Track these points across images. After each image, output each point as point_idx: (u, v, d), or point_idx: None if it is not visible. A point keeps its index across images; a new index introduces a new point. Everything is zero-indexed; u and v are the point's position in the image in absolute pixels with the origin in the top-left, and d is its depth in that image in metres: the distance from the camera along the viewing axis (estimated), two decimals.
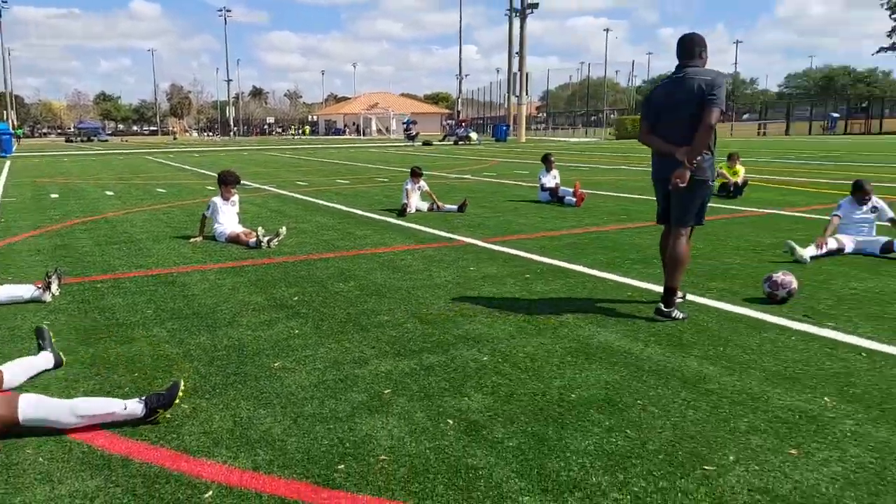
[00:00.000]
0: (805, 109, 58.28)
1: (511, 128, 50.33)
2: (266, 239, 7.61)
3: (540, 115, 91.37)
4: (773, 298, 4.95)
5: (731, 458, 2.70)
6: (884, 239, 6.48)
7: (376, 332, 4.48)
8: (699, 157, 4.41)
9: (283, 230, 7.93)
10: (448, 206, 10.52)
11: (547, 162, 11.58)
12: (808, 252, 6.33)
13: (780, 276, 5.02)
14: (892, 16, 47.10)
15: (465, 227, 9.01)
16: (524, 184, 15.08)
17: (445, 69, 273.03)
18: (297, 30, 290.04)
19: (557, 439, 2.90)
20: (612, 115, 59.43)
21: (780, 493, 2.44)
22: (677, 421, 3.05)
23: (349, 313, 4.93)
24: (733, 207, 10.29)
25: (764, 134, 50.75)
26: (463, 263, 6.65)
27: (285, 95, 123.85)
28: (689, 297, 5.09)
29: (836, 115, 51.91)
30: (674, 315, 4.58)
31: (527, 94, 49.11)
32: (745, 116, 74.93)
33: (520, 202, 11.68)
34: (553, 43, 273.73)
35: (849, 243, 6.58)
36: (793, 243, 6.42)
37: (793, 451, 2.74)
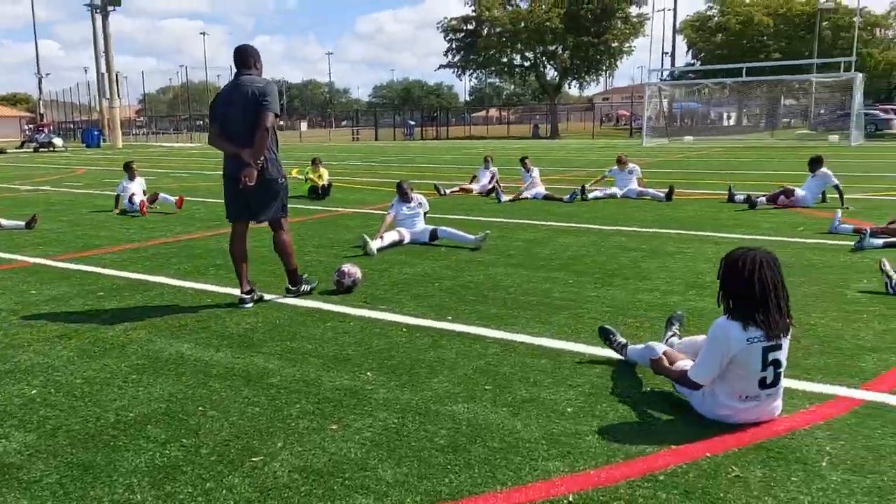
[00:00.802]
0: (390, 117, 65.35)
1: (105, 133, 45.66)
2: None
3: (140, 118, 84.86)
4: (341, 286, 5.50)
5: (280, 444, 2.95)
6: (430, 228, 7.68)
7: None
8: (262, 158, 4.84)
9: None
10: (11, 223, 9.14)
11: (129, 170, 10.87)
12: (375, 244, 7.16)
13: (347, 266, 5.60)
14: (446, 38, 55.47)
15: (32, 245, 7.93)
16: (113, 194, 13.84)
17: (23, 66, 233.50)
18: None
19: (106, 464, 2.79)
20: None
21: (317, 468, 2.75)
22: (236, 419, 3.19)
23: None
24: (320, 208, 11.04)
25: (357, 139, 55.41)
26: (24, 287, 5.87)
27: None
28: (267, 296, 5.34)
29: (412, 122, 59.47)
30: (303, 289, 5.36)
31: (118, 96, 44.96)
32: (344, 123, 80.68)
33: (105, 213, 10.72)
34: (149, 43, 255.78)
35: (406, 235, 7.63)
36: (366, 237, 7.19)
37: (334, 427, 3.11)
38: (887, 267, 4.97)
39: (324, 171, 12.83)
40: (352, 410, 3.28)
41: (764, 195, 10.14)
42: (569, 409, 3.27)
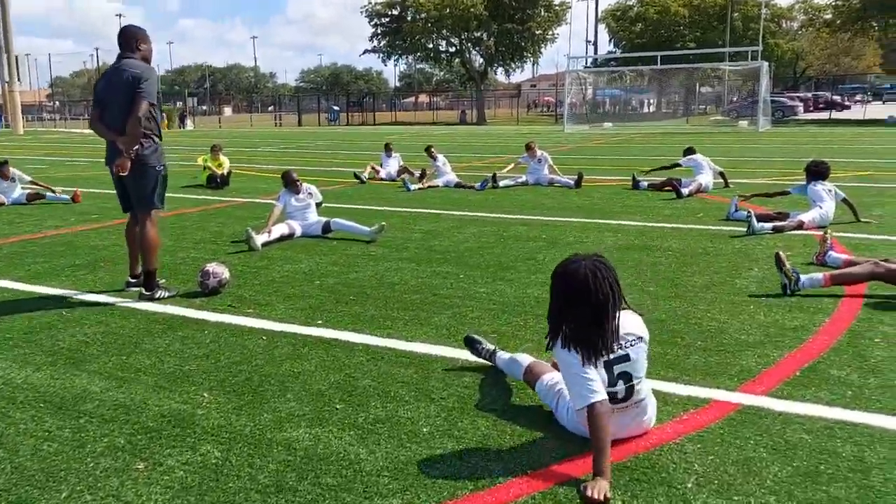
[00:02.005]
0: (315, 102, 63.80)
1: (8, 117, 42.72)
2: None
3: (52, 103, 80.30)
4: (205, 288, 4.97)
5: (65, 493, 2.44)
6: (324, 220, 7.18)
7: None
8: (137, 146, 4.59)
9: None
10: None
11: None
12: (261, 239, 6.62)
13: (212, 266, 5.06)
14: (371, 22, 54.36)
15: None
16: None
17: None
18: None
19: None
20: None
21: None
22: (23, 461, 2.66)
23: None
24: (217, 198, 10.34)
25: (280, 125, 53.87)
26: None
27: None
28: (116, 301, 4.76)
29: (336, 108, 58.08)
30: (158, 295, 4.84)
31: (18, 78, 41.99)
32: (271, 108, 78.20)
33: None
34: (65, 25, 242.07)
35: (297, 228, 7.11)
36: (251, 231, 6.62)
37: (140, 466, 2.62)
38: (786, 265, 4.75)
39: (224, 160, 12.11)
40: (170, 443, 2.80)
41: (660, 180, 10.17)
42: (425, 430, 2.88)
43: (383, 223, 7.01)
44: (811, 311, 4.40)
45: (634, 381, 2.70)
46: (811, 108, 45.02)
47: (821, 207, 7.11)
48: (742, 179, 11.32)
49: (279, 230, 6.93)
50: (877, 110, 39.80)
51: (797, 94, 47.90)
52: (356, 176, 12.21)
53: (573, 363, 2.59)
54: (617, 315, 2.64)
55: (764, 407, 3.04)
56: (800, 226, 6.93)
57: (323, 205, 7.61)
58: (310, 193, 7.27)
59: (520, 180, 11.32)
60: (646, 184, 10.26)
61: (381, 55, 56.83)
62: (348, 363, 3.64)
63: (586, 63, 47.79)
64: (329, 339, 4.03)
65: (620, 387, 2.67)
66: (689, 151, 10.44)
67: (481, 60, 55.80)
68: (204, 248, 6.68)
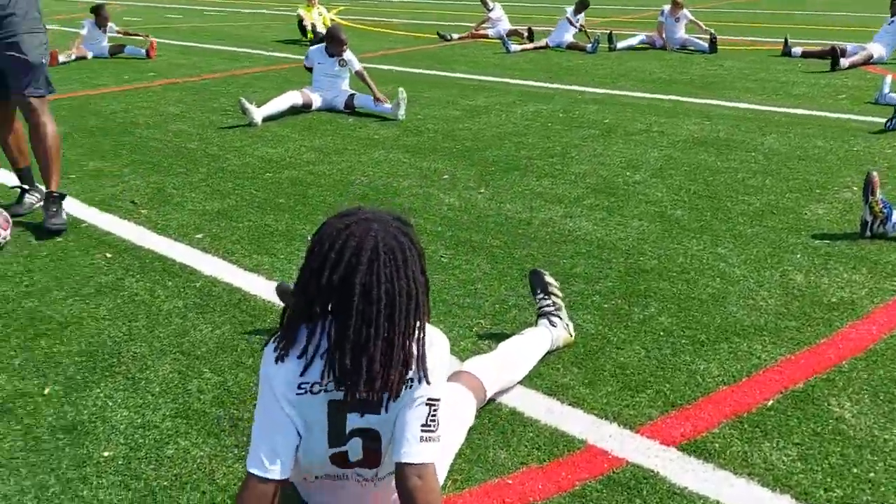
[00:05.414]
0: None
1: None
2: None
3: None
4: None
5: None
6: (348, 93, 5.95)
7: None
8: None
9: None
10: None
11: (98, 15, 9.40)
12: (261, 112, 5.63)
13: None
14: None
15: None
16: None
17: None
18: None
19: None
20: None
21: None
22: None
23: None
24: (296, 56, 9.42)
25: None
26: None
27: None
28: None
29: None
30: (26, 203, 3.65)
31: None
32: None
33: None
34: None
35: (316, 99, 5.99)
36: (245, 101, 5.52)
37: None
38: (876, 195, 2.93)
39: (321, 9, 10.92)
40: None
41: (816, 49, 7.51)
42: (103, 455, 1.84)
43: (402, 98, 5.65)
44: (886, 272, 2.64)
45: (384, 444, 1.44)
46: None
47: None
48: None
49: (289, 99, 5.85)
50: None
51: None
52: (440, 35, 10.71)
53: (263, 378, 1.42)
54: (388, 331, 1.34)
55: (653, 473, 1.64)
56: None
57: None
58: (349, 61, 5.96)
59: (644, 40, 9.15)
60: (799, 50, 7.72)
61: None
62: (159, 309, 2.65)
63: None
64: (179, 264, 3.05)
65: (355, 445, 1.44)
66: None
67: None
68: (191, 119, 5.82)
